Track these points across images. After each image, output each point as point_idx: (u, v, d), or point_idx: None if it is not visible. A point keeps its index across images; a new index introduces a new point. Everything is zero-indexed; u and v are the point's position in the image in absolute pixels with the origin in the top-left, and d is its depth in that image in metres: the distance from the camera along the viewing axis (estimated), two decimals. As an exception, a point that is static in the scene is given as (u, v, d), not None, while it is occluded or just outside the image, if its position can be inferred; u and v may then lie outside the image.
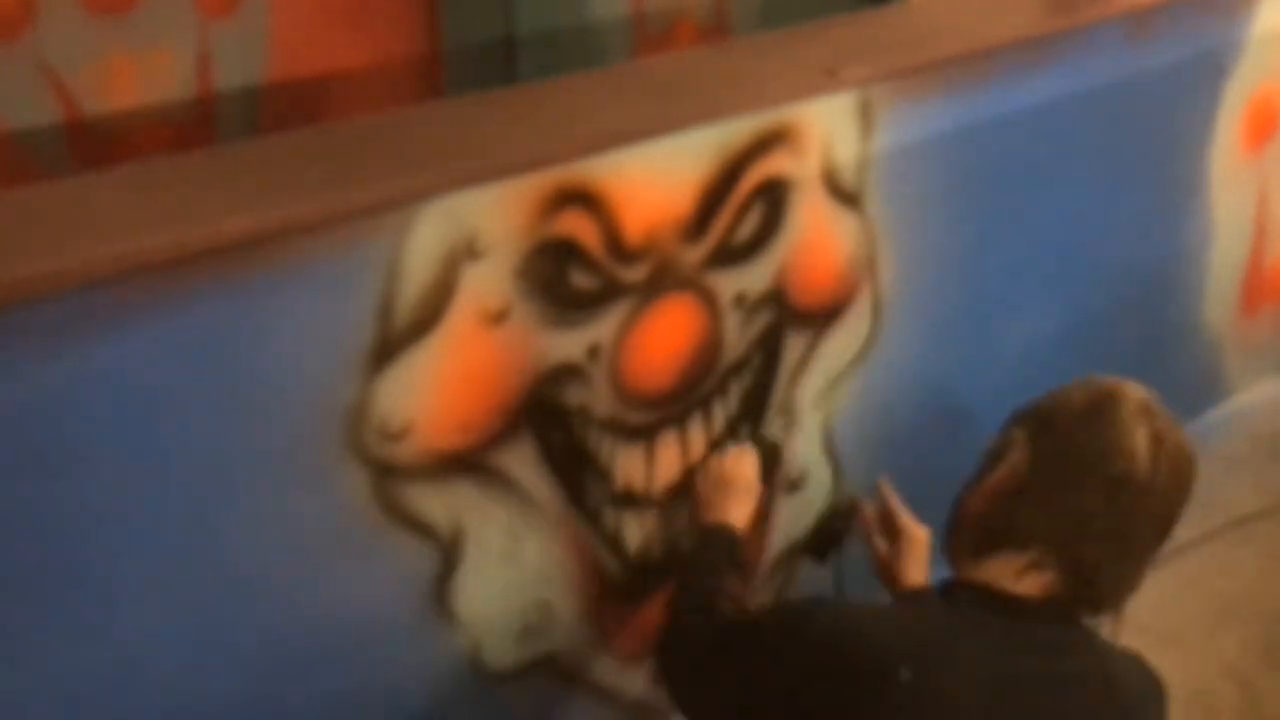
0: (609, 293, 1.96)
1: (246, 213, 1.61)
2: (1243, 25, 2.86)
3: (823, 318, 2.29)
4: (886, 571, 2.05)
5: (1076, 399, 1.61)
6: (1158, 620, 2.73)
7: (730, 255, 2.09)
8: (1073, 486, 1.53)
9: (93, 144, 1.96)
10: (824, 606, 1.59)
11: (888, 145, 2.25)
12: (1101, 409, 1.56)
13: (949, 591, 1.61)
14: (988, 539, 1.59)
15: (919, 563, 2.01)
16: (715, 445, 2.19)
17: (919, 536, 2.03)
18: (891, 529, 2.07)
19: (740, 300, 2.13)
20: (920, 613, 1.60)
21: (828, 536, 2.17)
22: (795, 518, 2.38)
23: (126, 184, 1.71)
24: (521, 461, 1.95)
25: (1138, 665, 1.66)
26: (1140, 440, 1.53)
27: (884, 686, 1.42)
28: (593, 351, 1.97)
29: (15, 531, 1.51)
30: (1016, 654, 1.49)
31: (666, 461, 2.14)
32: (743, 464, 2.08)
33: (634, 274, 1.97)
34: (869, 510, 2.13)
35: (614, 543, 2.13)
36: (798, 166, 2.13)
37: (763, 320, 2.18)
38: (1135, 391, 1.59)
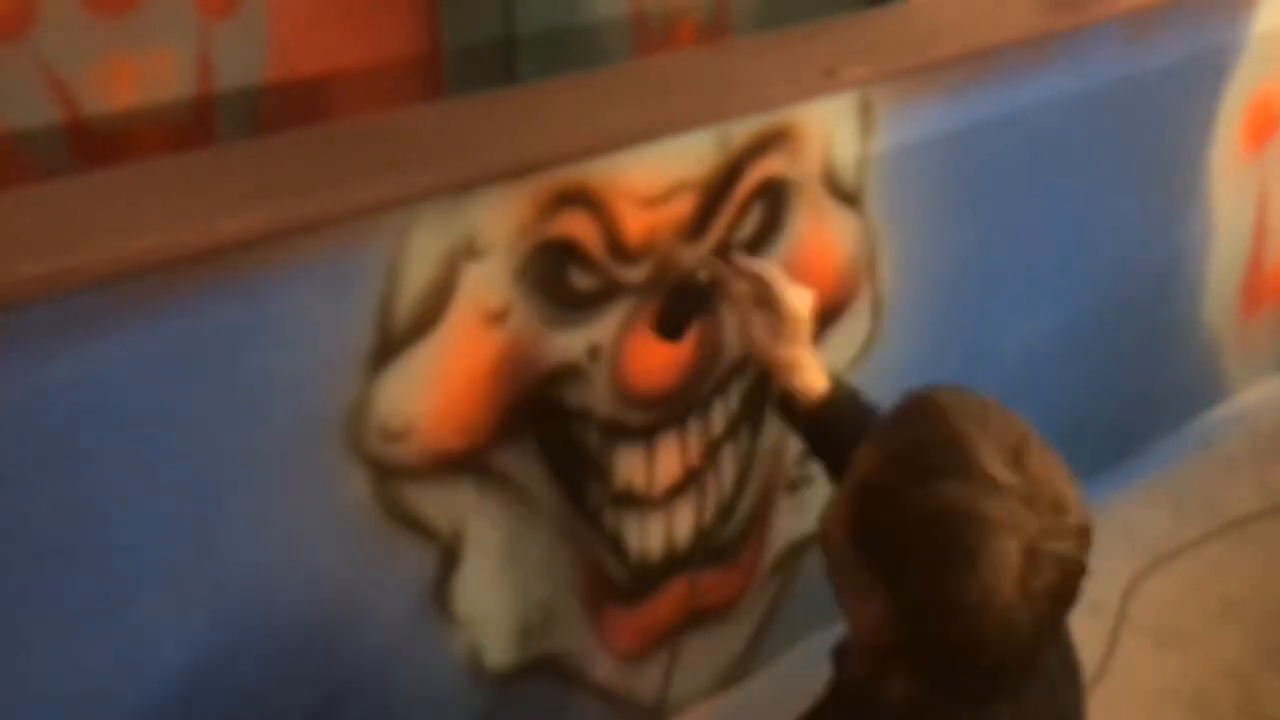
0: (609, 293, 1.96)
1: (246, 213, 1.61)
2: (1243, 25, 2.86)
3: (823, 318, 2.29)
4: (767, 361, 1.79)
5: (925, 550, 1.22)
6: (1158, 620, 2.73)
7: (730, 255, 2.09)
8: (954, 678, 1.27)
9: (93, 144, 1.96)
10: None
11: (888, 145, 2.25)
12: (957, 582, 1.20)
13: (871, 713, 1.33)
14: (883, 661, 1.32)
15: (804, 348, 1.72)
16: (714, 446, 2.19)
17: (801, 313, 1.70)
18: (768, 300, 1.77)
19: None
20: None
21: (678, 316, 1.85)
22: (794, 518, 2.38)
23: (126, 184, 1.71)
24: (521, 461, 1.95)
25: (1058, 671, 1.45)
26: (1016, 617, 1.20)
27: None
28: (593, 351, 1.97)
29: (15, 531, 1.51)
30: None
31: (666, 461, 2.14)
32: (791, 293, 1.75)
33: (634, 274, 1.97)
34: (740, 285, 1.81)
35: (614, 543, 2.13)
36: (797, 167, 2.13)
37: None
38: (1010, 542, 1.20)
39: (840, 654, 1.41)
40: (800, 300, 1.77)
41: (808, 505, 2.40)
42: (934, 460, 1.24)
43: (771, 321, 1.83)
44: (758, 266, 1.86)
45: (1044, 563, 1.21)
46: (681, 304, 1.87)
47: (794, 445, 2.34)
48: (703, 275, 1.87)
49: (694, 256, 1.79)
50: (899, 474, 1.26)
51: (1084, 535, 1.26)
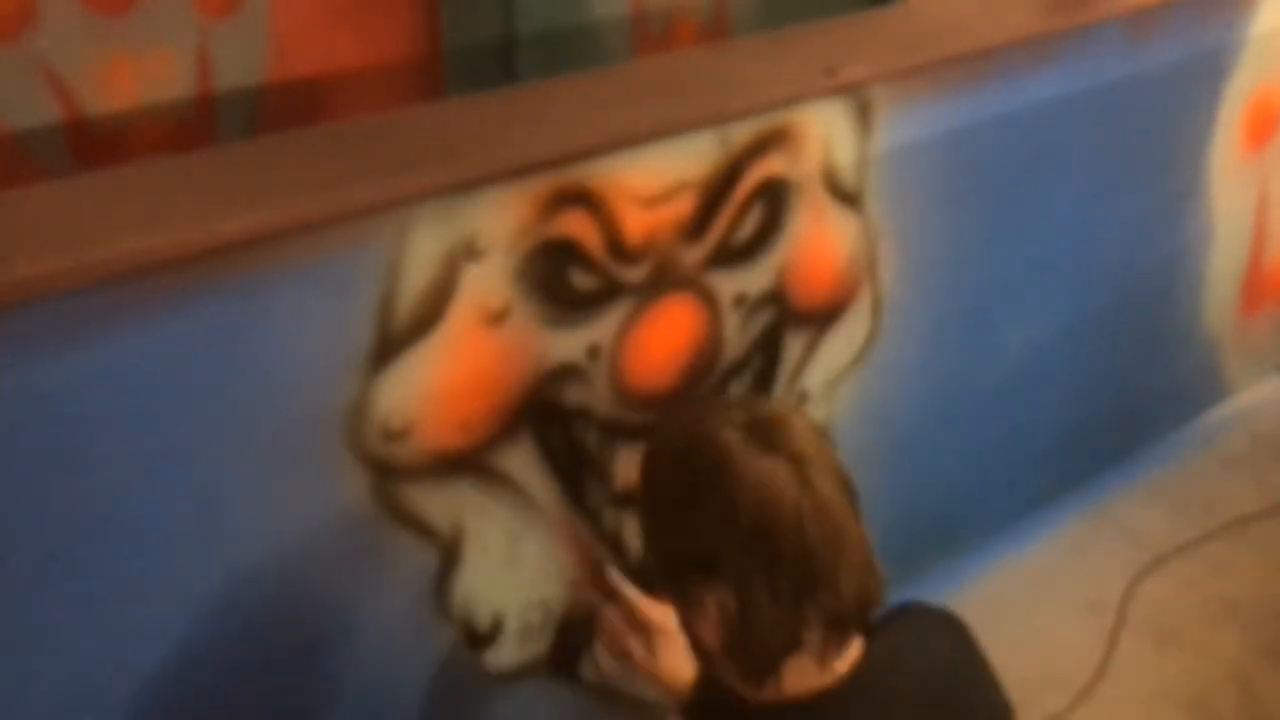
0: (609, 293, 1.96)
1: (246, 213, 1.61)
2: (1243, 25, 2.86)
3: (823, 318, 2.29)
4: (650, 675, 1.85)
5: (695, 502, 1.40)
6: (1158, 620, 2.73)
7: (730, 255, 2.09)
8: (785, 565, 1.37)
9: (93, 144, 1.96)
10: None
11: (887, 145, 2.25)
12: (719, 493, 1.37)
13: None
14: (760, 664, 1.42)
15: (679, 653, 1.75)
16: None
17: (669, 625, 1.74)
18: (637, 624, 1.87)
19: (740, 300, 2.13)
20: None
21: (568, 652, 1.96)
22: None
23: (126, 184, 1.71)
24: (521, 461, 1.95)
25: (923, 625, 1.56)
26: (778, 474, 1.37)
27: None
28: (593, 351, 1.97)
29: (16, 531, 1.51)
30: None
31: (666, 461, 2.14)
32: (655, 610, 1.87)
33: (634, 274, 1.97)
34: (609, 613, 1.92)
35: (614, 543, 2.13)
36: (797, 167, 2.13)
37: (763, 320, 2.18)
38: (726, 433, 1.39)
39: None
40: (663, 614, 1.81)
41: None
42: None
43: (644, 637, 1.87)
44: (622, 591, 1.93)
45: (774, 431, 1.40)
46: (569, 641, 1.97)
47: (794, 445, 2.34)
48: (577, 616, 1.97)
49: (574, 593, 1.92)
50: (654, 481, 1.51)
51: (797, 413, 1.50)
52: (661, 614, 1.82)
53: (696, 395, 1.53)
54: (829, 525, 1.38)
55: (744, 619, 1.39)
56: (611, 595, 1.92)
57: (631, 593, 1.91)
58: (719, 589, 1.39)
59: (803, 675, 1.41)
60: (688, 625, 1.46)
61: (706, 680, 1.52)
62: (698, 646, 1.48)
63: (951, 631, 1.57)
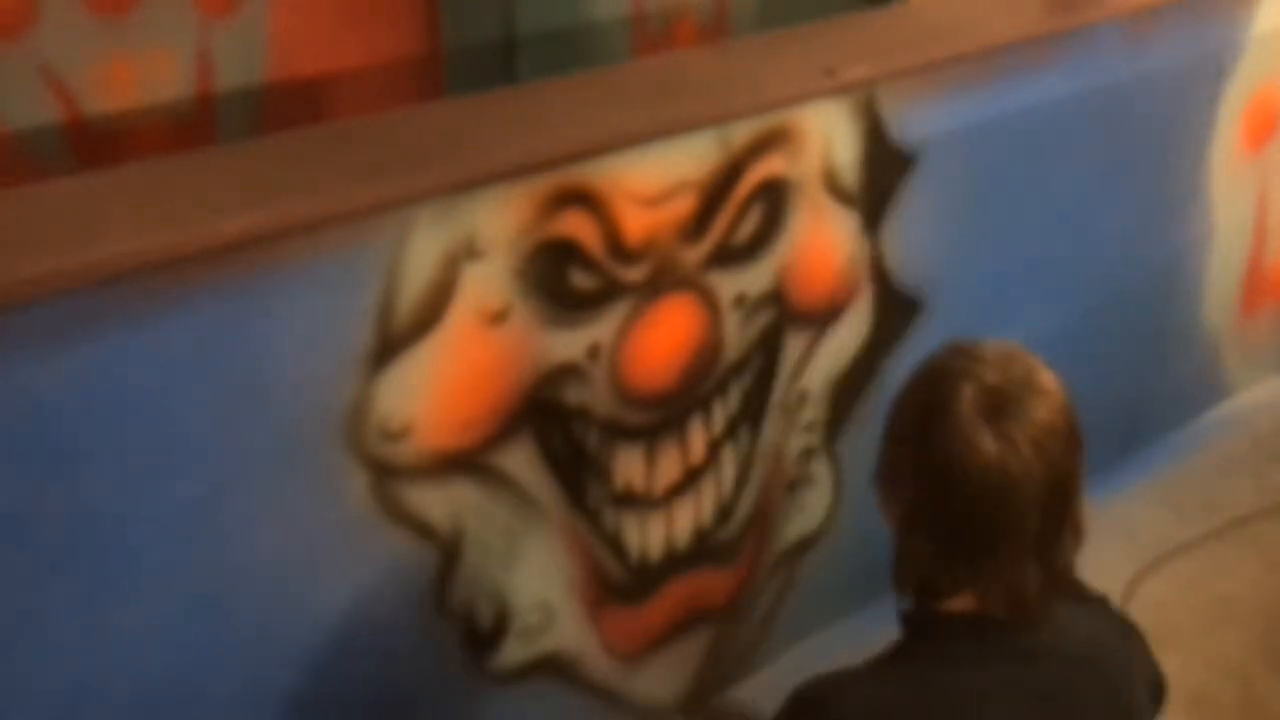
0: (609, 293, 1.96)
1: (246, 213, 1.61)
2: (1243, 25, 2.86)
3: (823, 318, 2.29)
4: None
5: (908, 431, 1.49)
6: (1158, 620, 2.72)
7: (730, 255, 2.09)
8: (947, 527, 1.44)
9: (93, 144, 1.96)
10: (838, 690, 1.48)
11: (887, 145, 2.25)
12: (931, 438, 1.43)
13: (929, 628, 1.50)
14: (928, 583, 1.49)
15: None
16: (714, 446, 2.19)
17: None
18: None
19: (740, 300, 2.13)
20: (924, 669, 1.48)
21: None
22: (794, 518, 2.38)
23: (126, 184, 1.72)
24: (521, 461, 1.95)
25: (1105, 617, 1.60)
26: (981, 448, 1.40)
27: None
28: (593, 351, 1.97)
29: (16, 530, 1.51)
30: (1022, 669, 1.46)
31: (666, 461, 2.14)
32: None
33: (634, 274, 1.97)
34: None
35: (614, 543, 2.13)
36: (797, 167, 2.13)
37: (763, 320, 2.18)
38: (966, 387, 1.44)
39: (903, 615, 1.56)
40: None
41: (808, 505, 2.40)
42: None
43: None
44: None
45: (1008, 406, 1.42)
46: None
47: (794, 445, 2.34)
48: None
49: None
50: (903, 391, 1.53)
51: (1055, 420, 1.45)
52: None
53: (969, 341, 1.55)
54: (1000, 513, 1.41)
55: (907, 548, 1.47)
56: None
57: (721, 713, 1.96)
58: (900, 511, 1.48)
59: (965, 600, 1.47)
60: (884, 517, 1.54)
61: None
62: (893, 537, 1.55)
63: (1128, 648, 1.59)
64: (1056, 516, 1.44)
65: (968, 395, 1.43)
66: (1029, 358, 1.51)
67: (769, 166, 2.09)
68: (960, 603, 1.46)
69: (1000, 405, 1.42)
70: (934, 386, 1.48)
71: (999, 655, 1.46)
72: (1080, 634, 1.52)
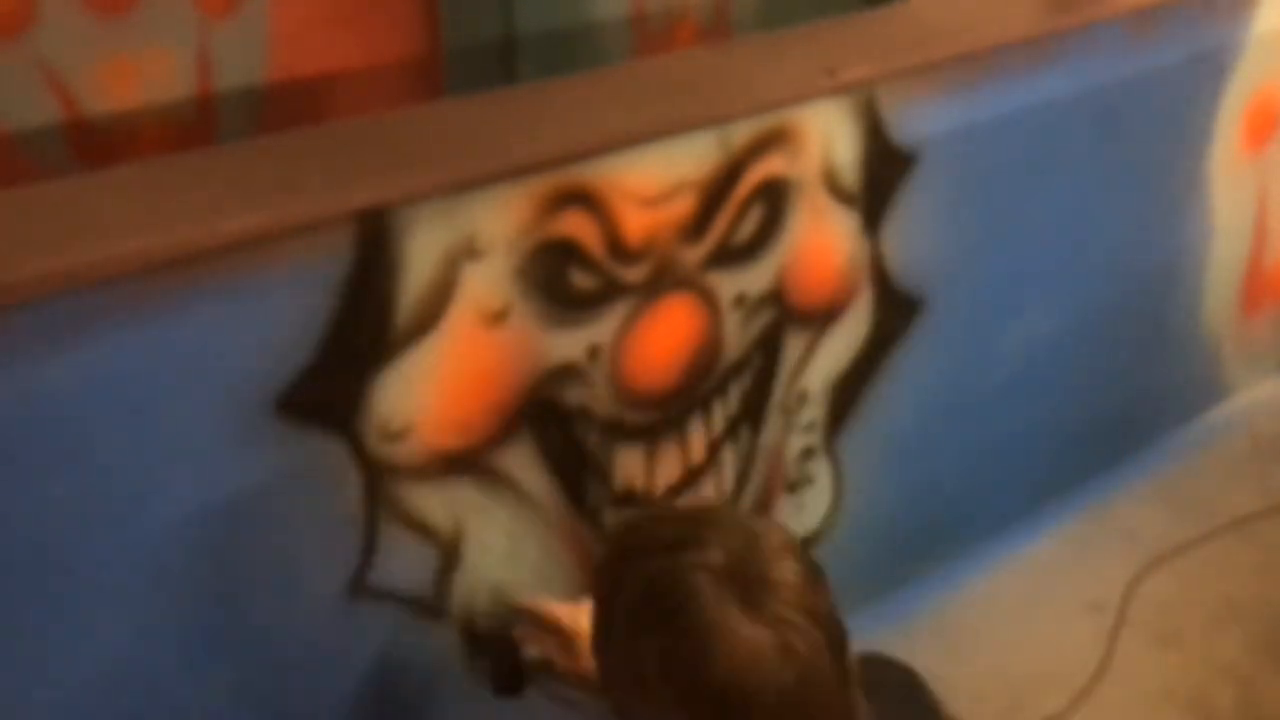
0: (609, 293, 1.96)
1: (246, 213, 1.61)
2: (1243, 25, 2.86)
3: (823, 318, 2.29)
4: (575, 677, 1.76)
5: (650, 665, 1.21)
6: (1158, 620, 2.73)
7: (730, 255, 2.09)
8: None
9: (93, 144, 1.96)
10: None
11: (887, 145, 2.25)
12: (688, 659, 1.18)
13: None
14: None
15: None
16: (714, 446, 2.19)
17: (580, 625, 1.68)
18: (556, 629, 1.79)
19: (740, 300, 2.13)
20: None
21: (509, 673, 1.89)
22: (794, 518, 2.38)
23: (126, 184, 1.72)
24: (521, 461, 1.95)
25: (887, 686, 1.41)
26: (757, 640, 1.17)
27: None
28: (593, 351, 1.97)
29: (16, 529, 1.51)
30: None
31: (666, 462, 2.14)
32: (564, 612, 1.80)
33: (634, 274, 1.97)
34: (521, 629, 1.87)
35: (614, 543, 2.13)
36: (797, 167, 2.13)
37: (763, 320, 2.18)
38: (699, 577, 1.19)
39: None
40: (573, 615, 1.76)
41: (808, 505, 2.40)
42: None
43: (560, 641, 1.80)
44: (530, 607, 1.86)
45: (753, 582, 1.19)
46: (502, 662, 1.89)
47: (794, 445, 2.34)
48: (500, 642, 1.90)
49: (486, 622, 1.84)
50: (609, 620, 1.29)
51: (785, 544, 1.25)
52: (571, 616, 1.75)
53: (662, 508, 1.30)
54: (809, 710, 1.19)
55: None
56: (520, 612, 1.86)
57: (537, 603, 1.84)
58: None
59: None
60: None
61: None
62: None
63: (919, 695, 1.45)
64: (844, 684, 1.22)
65: (707, 589, 1.18)
66: (721, 510, 1.30)
67: (769, 166, 2.09)
68: None
69: (749, 586, 1.19)
70: (658, 593, 1.21)
71: None
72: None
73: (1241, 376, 3.35)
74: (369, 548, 1.82)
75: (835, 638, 1.21)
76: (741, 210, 2.08)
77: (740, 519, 1.29)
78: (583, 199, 1.88)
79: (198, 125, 2.05)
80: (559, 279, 1.89)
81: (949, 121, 2.33)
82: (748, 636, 1.16)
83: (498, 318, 1.84)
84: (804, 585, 1.21)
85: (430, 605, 1.92)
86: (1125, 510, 3.01)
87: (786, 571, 1.21)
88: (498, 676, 1.88)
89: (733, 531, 1.23)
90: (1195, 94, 2.85)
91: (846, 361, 2.35)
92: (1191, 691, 2.57)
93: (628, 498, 2.11)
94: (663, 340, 2.06)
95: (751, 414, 2.23)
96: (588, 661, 1.53)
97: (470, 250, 1.79)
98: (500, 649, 1.88)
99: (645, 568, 1.23)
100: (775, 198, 2.12)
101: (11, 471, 1.49)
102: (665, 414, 2.11)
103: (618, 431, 2.05)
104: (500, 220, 1.81)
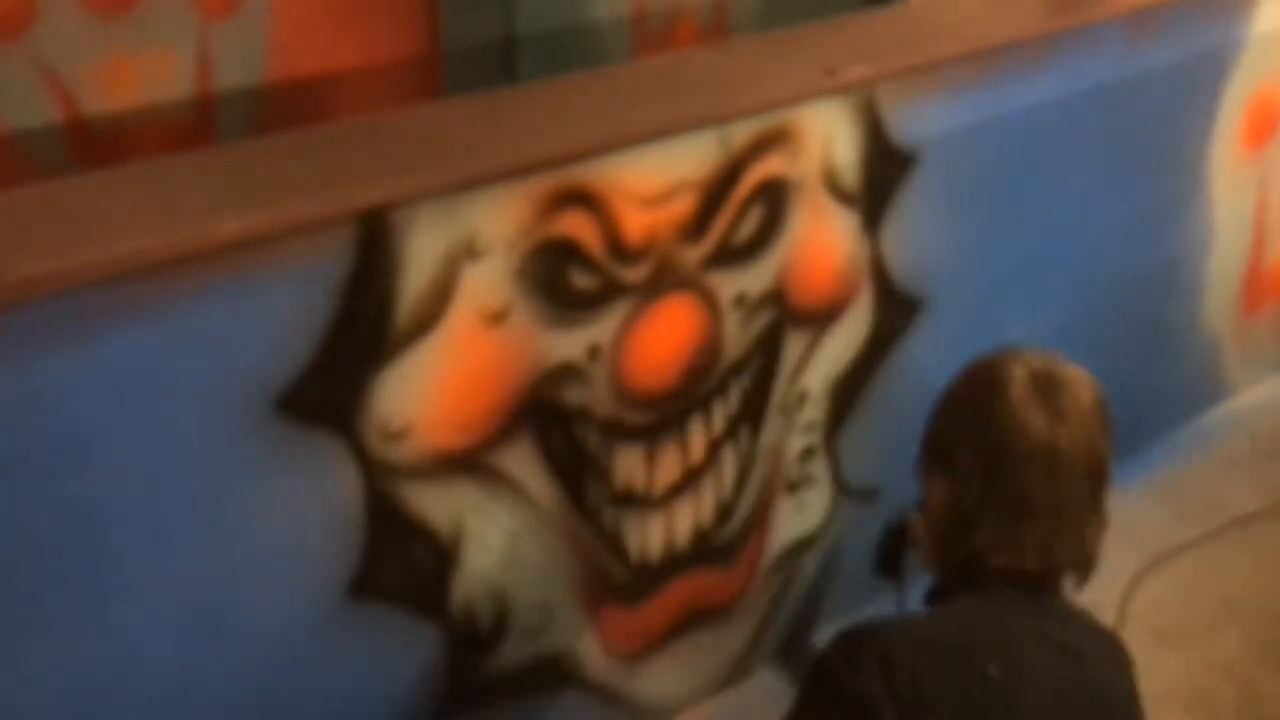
0: (609, 293, 1.96)
1: (246, 213, 1.61)
2: (1243, 25, 2.86)
3: (823, 318, 2.29)
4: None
5: (964, 407, 1.63)
6: (1158, 620, 2.73)
7: (730, 255, 2.09)
8: (998, 489, 1.56)
9: (93, 144, 1.96)
10: (885, 626, 1.56)
11: (887, 145, 2.25)
12: (988, 409, 1.58)
13: (970, 581, 1.60)
14: (959, 549, 1.60)
15: None
16: (714, 446, 2.19)
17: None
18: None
19: (740, 300, 2.13)
20: (966, 610, 1.58)
21: (894, 553, 2.10)
22: (794, 518, 2.38)
23: (126, 184, 1.72)
24: (521, 461, 1.95)
25: (1102, 631, 1.68)
26: (1034, 420, 1.55)
27: (978, 685, 1.46)
28: (593, 351, 1.97)
29: (17, 529, 1.51)
30: (1050, 624, 1.55)
31: (666, 461, 2.14)
32: None
33: (634, 274, 1.97)
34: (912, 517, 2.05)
35: (614, 543, 2.13)
36: (798, 167, 2.13)
37: (763, 320, 2.18)
38: (1017, 369, 1.59)
39: (931, 594, 1.66)
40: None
41: (808, 505, 2.40)
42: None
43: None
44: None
45: (1055, 387, 1.56)
46: (891, 544, 2.08)
47: (794, 445, 2.34)
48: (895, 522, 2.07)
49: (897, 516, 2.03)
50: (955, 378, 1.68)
51: (1093, 404, 1.61)
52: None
53: None
54: (1051, 480, 1.54)
55: (953, 515, 1.58)
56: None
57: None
58: (948, 482, 1.59)
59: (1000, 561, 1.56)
60: (924, 498, 1.65)
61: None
62: (927, 517, 1.66)
63: (1124, 663, 1.64)
64: (1092, 494, 1.58)
65: (1019, 376, 1.57)
66: (1062, 358, 1.64)
67: (769, 166, 2.09)
68: (997, 561, 1.56)
69: (1048, 386, 1.57)
70: (988, 369, 1.61)
71: (1033, 609, 1.54)
72: (1096, 631, 1.62)
73: (1241, 376, 3.35)
74: (369, 548, 1.82)
75: (1094, 456, 1.58)
76: (741, 210, 2.08)
77: (1066, 362, 1.63)
78: (583, 199, 1.88)
79: (198, 125, 2.05)
80: (559, 279, 1.89)
81: (949, 121, 2.33)
82: (1031, 412, 1.55)
83: (498, 318, 1.84)
84: (1091, 410, 1.59)
85: (430, 605, 1.93)
86: (1125, 510, 2.99)
87: (1084, 391, 1.60)
88: (885, 558, 2.08)
89: (1057, 360, 1.62)
90: (1195, 94, 2.85)
91: (846, 361, 2.35)
92: (1191, 691, 2.57)
93: (628, 498, 2.11)
94: (663, 340, 2.06)
95: (751, 414, 2.23)
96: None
97: (470, 250, 1.79)
98: (891, 534, 2.05)
99: (983, 357, 1.66)
100: (775, 198, 2.12)
101: (12, 471, 1.49)
102: (665, 414, 2.11)
103: (618, 431, 2.05)
104: (500, 220, 1.81)
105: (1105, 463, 1.61)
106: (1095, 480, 1.59)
